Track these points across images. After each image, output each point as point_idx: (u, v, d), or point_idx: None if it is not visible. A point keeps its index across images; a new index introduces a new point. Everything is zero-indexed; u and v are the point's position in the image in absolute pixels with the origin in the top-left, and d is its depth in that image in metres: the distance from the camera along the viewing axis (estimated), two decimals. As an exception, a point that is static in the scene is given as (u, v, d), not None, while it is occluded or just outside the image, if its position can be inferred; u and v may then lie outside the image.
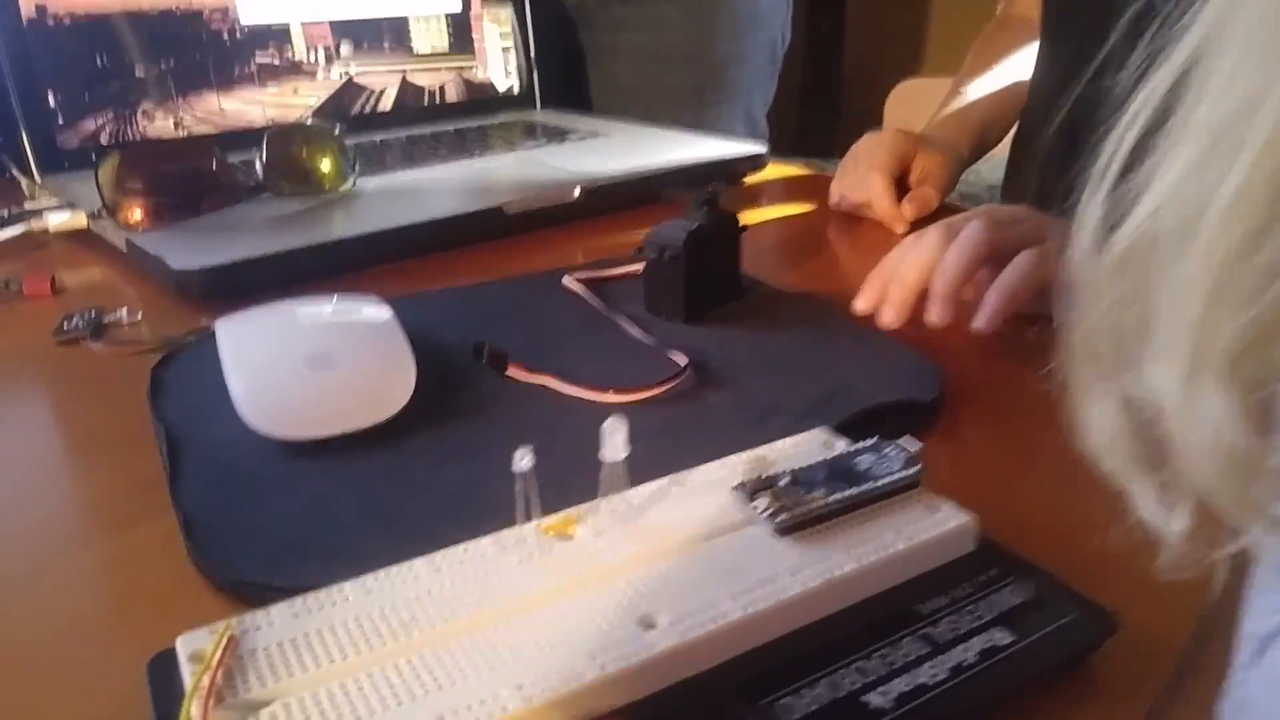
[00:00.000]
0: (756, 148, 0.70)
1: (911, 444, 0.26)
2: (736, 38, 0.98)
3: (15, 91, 0.60)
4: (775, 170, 0.70)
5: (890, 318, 0.40)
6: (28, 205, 0.54)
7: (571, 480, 0.23)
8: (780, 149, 0.73)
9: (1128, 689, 0.22)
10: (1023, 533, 0.25)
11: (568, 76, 1.02)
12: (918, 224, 0.56)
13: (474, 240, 0.54)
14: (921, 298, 0.39)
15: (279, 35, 0.74)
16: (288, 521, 0.27)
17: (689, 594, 0.21)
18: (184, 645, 0.20)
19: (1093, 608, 0.22)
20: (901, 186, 0.58)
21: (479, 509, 0.27)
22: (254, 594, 0.24)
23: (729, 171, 0.68)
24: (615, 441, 0.23)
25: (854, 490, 0.24)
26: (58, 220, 0.53)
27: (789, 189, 0.68)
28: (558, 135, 0.76)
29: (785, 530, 0.23)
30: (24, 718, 0.21)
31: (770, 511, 0.23)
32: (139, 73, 0.67)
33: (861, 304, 0.41)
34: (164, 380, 0.36)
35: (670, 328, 0.41)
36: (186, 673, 0.19)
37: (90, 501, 0.29)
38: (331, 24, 0.77)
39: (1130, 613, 0.22)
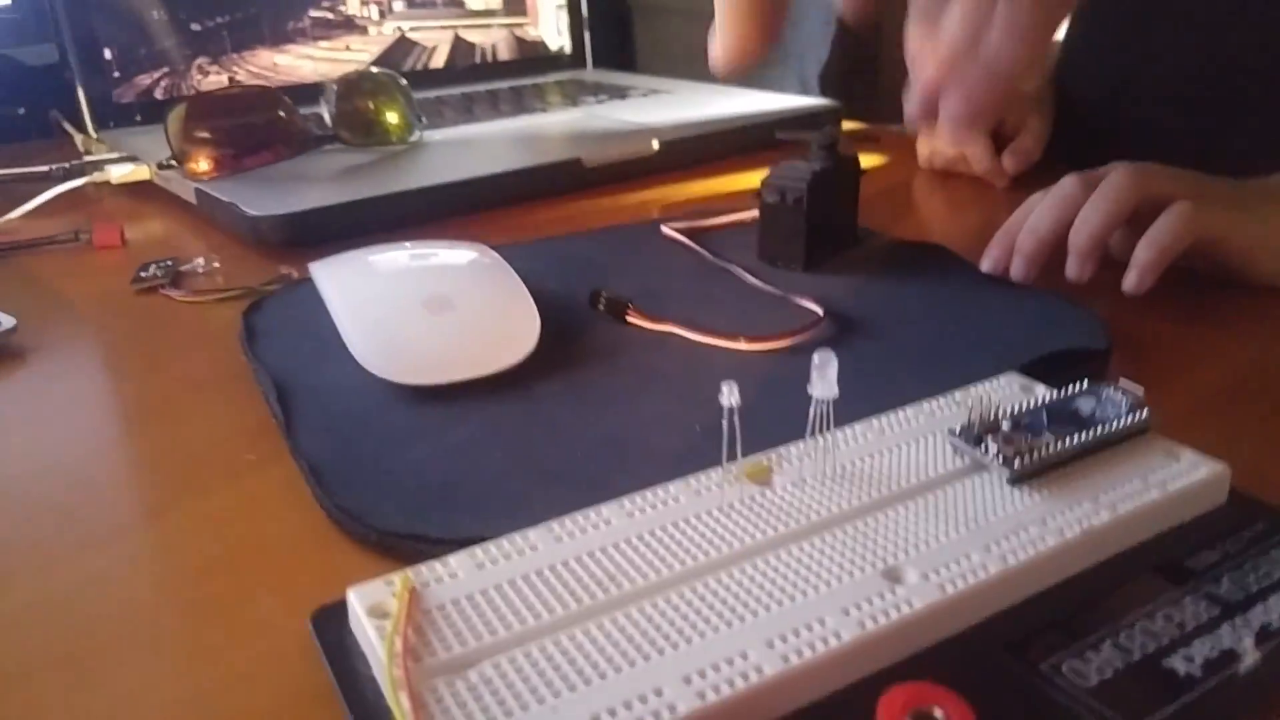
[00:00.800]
0: (829, 103, 0.67)
1: (1133, 386, 0.23)
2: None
3: (72, 47, 0.57)
4: (846, 127, 0.67)
5: (1020, 271, 0.36)
6: (88, 157, 0.51)
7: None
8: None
9: None
10: (1254, 483, 0.22)
11: (616, 37, 0.99)
12: (1018, 180, 0.52)
13: (551, 193, 0.51)
14: (1055, 251, 0.36)
15: (332, -12, 0.71)
16: (428, 469, 0.24)
17: (931, 546, 0.18)
18: (359, 598, 0.17)
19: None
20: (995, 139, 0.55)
21: (640, 455, 0.24)
22: (404, 546, 0.21)
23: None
24: (828, 375, 0.20)
25: (1086, 435, 0.21)
26: (120, 172, 0.50)
27: (866, 145, 0.64)
28: (617, 92, 0.73)
29: (1020, 478, 0.20)
30: (167, 669, 0.19)
31: (1002, 457, 0.20)
32: (194, 27, 0.64)
33: (988, 263, 0.37)
34: (257, 325, 0.33)
35: (787, 276, 0.37)
36: (370, 629, 0.16)
37: (200, 449, 0.27)
38: (385, -23, 0.74)
39: None
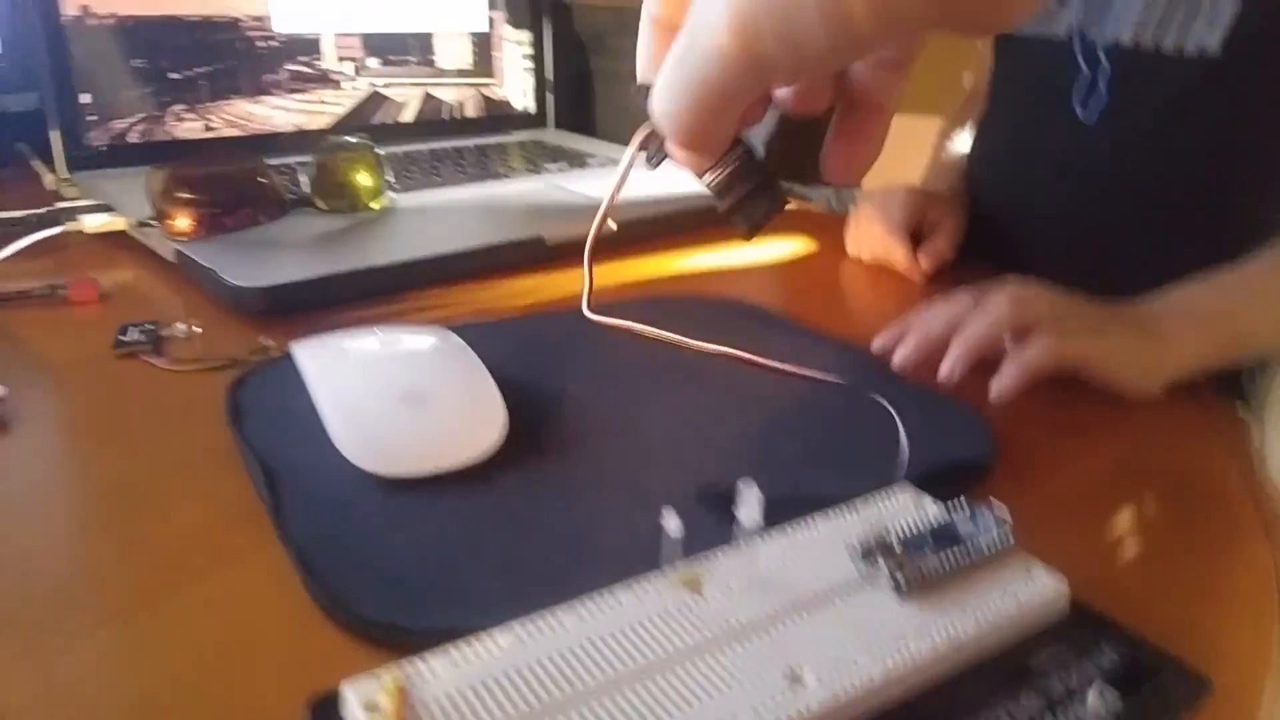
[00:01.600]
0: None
1: (1000, 509, 0.28)
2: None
3: (50, 90, 0.59)
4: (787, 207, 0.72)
5: (900, 359, 0.42)
6: (62, 204, 0.53)
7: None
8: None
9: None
10: (1091, 593, 0.27)
11: (576, 98, 1.03)
12: (936, 276, 0.58)
13: (514, 268, 0.55)
14: (936, 352, 0.42)
15: (310, 45, 0.74)
16: (405, 560, 0.27)
17: (829, 652, 0.22)
18: (354, 693, 0.20)
19: (1184, 668, 0.24)
20: (914, 237, 0.61)
21: (594, 552, 0.28)
22: (386, 636, 0.24)
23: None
24: (752, 510, 0.24)
25: (960, 553, 0.26)
26: (95, 223, 0.52)
27: (802, 227, 0.70)
28: (577, 160, 0.77)
29: (904, 591, 0.25)
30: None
31: (891, 574, 0.25)
32: (173, 75, 0.66)
33: (878, 343, 0.44)
34: (242, 403, 0.36)
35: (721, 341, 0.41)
36: (364, 720, 0.20)
37: (191, 530, 0.29)
38: (362, 36, 0.77)
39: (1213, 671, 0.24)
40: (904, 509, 0.29)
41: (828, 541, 0.27)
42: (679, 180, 0.72)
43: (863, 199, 0.63)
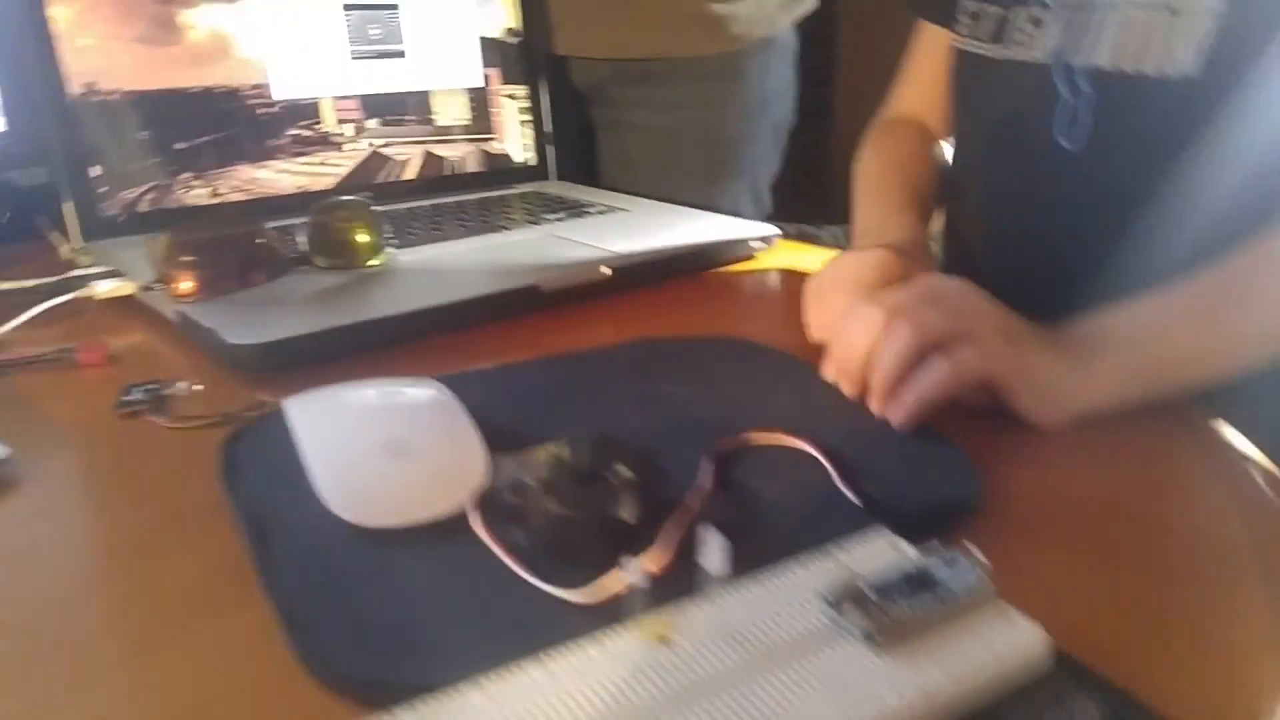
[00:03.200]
0: (769, 229, 0.73)
1: (978, 554, 0.27)
2: (746, 120, 1.02)
3: (60, 164, 0.61)
4: (784, 246, 0.72)
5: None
6: (75, 272, 0.55)
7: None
8: (776, 215, 0.74)
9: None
10: (1076, 642, 0.26)
11: (579, 150, 1.06)
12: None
13: (508, 316, 0.56)
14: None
15: (309, 109, 0.77)
16: (384, 613, 0.28)
17: (797, 710, 0.22)
18: (323, 751, 0.21)
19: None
20: None
21: (562, 604, 0.28)
22: (364, 690, 0.25)
23: (742, 249, 0.70)
24: (714, 556, 0.24)
25: (937, 605, 0.26)
26: (105, 288, 0.54)
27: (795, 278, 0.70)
28: (576, 209, 0.79)
29: (876, 643, 0.25)
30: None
31: (862, 624, 0.25)
32: (179, 145, 0.68)
33: (829, 375, 0.43)
34: (235, 459, 0.36)
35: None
36: (331, 780, 0.20)
37: (183, 584, 0.30)
38: (360, 98, 0.79)
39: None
40: (880, 555, 0.29)
41: (800, 590, 0.27)
42: (678, 222, 0.73)
43: (826, 265, 0.49)
